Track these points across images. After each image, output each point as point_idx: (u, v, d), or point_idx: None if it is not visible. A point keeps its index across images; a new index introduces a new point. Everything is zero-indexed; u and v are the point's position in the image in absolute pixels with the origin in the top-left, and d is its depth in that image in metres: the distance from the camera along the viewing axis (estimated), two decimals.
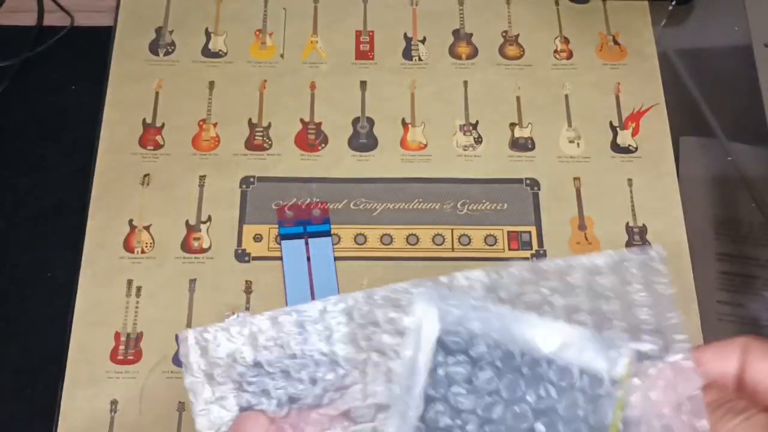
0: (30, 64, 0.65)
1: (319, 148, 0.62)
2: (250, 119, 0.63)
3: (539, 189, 0.61)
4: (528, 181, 0.61)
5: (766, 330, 0.57)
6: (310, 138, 0.63)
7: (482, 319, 0.34)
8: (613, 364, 0.31)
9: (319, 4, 0.68)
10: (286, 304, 0.55)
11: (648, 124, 0.63)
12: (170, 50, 0.66)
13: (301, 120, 0.63)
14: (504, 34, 0.67)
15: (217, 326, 0.38)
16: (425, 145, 0.62)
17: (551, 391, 0.31)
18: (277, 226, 0.59)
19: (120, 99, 0.63)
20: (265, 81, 0.65)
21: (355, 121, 0.63)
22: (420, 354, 0.36)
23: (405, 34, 0.67)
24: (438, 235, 0.59)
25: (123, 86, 0.64)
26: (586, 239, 0.59)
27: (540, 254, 0.58)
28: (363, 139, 0.63)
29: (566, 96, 0.65)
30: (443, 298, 0.36)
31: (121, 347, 0.55)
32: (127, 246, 0.58)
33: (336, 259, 0.58)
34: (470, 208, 0.60)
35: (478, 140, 0.63)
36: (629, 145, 0.63)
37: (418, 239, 0.59)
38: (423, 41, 0.67)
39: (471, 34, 0.67)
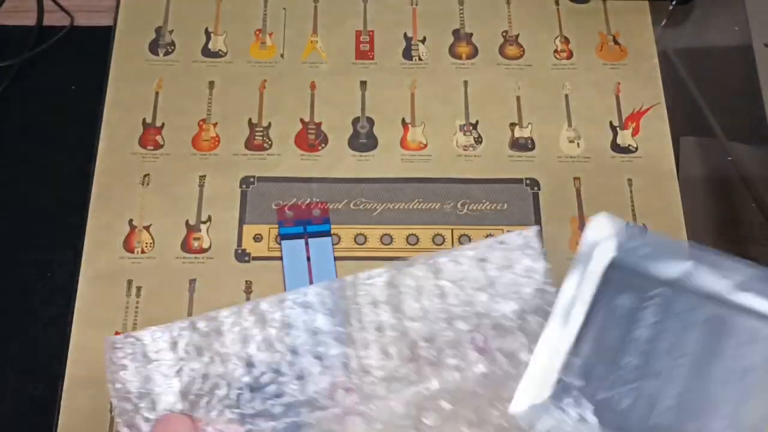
0: (30, 64, 0.65)
1: (319, 148, 0.62)
2: (250, 119, 0.63)
3: (539, 189, 0.61)
4: (528, 181, 0.61)
5: None
6: (310, 138, 0.63)
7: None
8: None
9: (319, 4, 0.68)
10: None
11: (648, 124, 0.63)
12: (170, 50, 0.66)
13: (301, 120, 0.63)
14: (504, 34, 0.67)
15: (143, 331, 0.40)
16: (425, 145, 0.62)
17: None
18: (277, 226, 0.59)
19: (120, 99, 0.63)
20: (265, 81, 0.65)
21: (355, 121, 0.63)
22: (584, 284, 0.40)
23: (405, 34, 0.67)
24: (438, 235, 0.59)
25: (123, 86, 0.64)
26: None
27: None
28: (363, 139, 0.63)
29: (566, 96, 0.65)
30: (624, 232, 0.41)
31: None
32: (127, 246, 0.58)
33: (336, 259, 0.58)
34: (470, 208, 0.60)
35: (478, 140, 0.63)
36: (629, 145, 0.63)
37: (418, 239, 0.59)
38: (423, 41, 0.67)
39: (471, 34, 0.67)
